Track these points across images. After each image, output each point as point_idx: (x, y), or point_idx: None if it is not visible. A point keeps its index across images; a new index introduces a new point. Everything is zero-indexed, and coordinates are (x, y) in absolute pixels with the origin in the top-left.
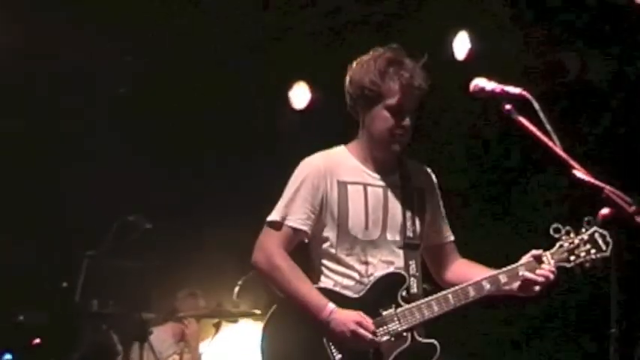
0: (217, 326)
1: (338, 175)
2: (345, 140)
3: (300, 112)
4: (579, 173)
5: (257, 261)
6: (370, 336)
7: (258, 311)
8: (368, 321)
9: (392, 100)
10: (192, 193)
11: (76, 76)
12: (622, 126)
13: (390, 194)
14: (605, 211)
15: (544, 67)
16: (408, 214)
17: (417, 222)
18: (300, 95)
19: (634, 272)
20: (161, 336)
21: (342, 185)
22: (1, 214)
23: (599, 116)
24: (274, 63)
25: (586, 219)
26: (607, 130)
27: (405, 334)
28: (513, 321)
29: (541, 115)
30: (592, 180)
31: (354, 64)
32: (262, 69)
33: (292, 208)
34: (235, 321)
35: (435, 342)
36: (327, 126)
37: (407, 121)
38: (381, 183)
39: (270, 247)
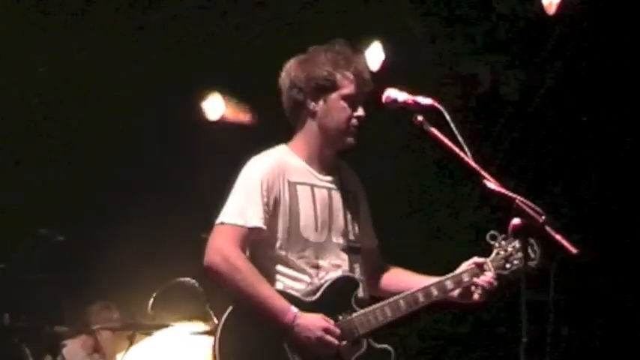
0: (131, 339)
1: (289, 175)
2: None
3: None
4: (490, 184)
5: (213, 262)
6: (337, 342)
7: (172, 323)
8: (334, 327)
9: (347, 90)
10: (106, 205)
11: None
12: (533, 136)
13: (333, 196)
14: (516, 221)
15: (457, 79)
16: (349, 216)
17: (356, 225)
18: (214, 106)
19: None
20: (73, 349)
21: (292, 186)
22: None
23: (511, 127)
24: (189, 74)
25: (490, 233)
26: (518, 141)
27: (361, 339)
28: (428, 333)
29: (452, 125)
30: (503, 190)
31: (294, 61)
32: (177, 80)
33: (248, 208)
34: (150, 333)
35: (389, 347)
36: (240, 136)
37: (361, 111)
38: (326, 184)
39: (227, 248)
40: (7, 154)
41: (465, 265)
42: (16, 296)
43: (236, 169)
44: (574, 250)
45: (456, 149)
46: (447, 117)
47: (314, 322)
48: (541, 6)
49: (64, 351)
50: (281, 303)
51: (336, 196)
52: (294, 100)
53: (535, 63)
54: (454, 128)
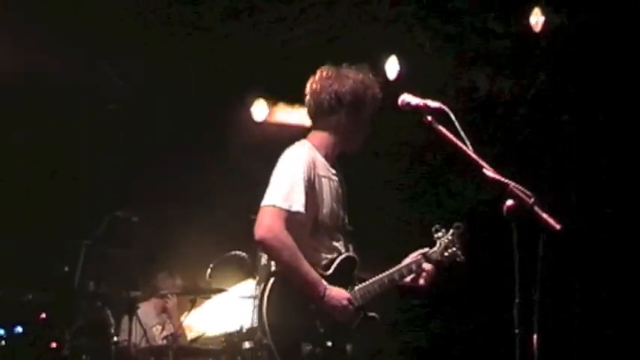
0: (193, 302)
1: (316, 169)
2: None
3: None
4: (488, 172)
5: (266, 238)
6: (355, 310)
7: (227, 288)
8: (353, 299)
9: (372, 110)
10: (172, 192)
11: (71, 94)
12: (523, 133)
13: (339, 187)
14: (509, 202)
15: (459, 85)
16: (343, 203)
17: (345, 210)
18: (259, 110)
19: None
20: (146, 310)
21: (319, 178)
22: (16, 215)
23: (504, 125)
24: (237, 81)
25: (434, 227)
26: (511, 137)
27: (359, 308)
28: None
29: (456, 124)
30: (499, 177)
31: (336, 73)
32: (231, 87)
33: (293, 194)
34: (208, 297)
35: (376, 315)
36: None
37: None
38: (335, 177)
39: (277, 227)
40: (92, 150)
41: (412, 256)
42: (99, 267)
43: (273, 161)
44: (558, 227)
45: (459, 143)
46: (452, 117)
47: (339, 292)
48: (529, 24)
49: (139, 312)
50: (317, 276)
51: (339, 187)
52: (330, 107)
53: (524, 72)
54: (458, 126)
